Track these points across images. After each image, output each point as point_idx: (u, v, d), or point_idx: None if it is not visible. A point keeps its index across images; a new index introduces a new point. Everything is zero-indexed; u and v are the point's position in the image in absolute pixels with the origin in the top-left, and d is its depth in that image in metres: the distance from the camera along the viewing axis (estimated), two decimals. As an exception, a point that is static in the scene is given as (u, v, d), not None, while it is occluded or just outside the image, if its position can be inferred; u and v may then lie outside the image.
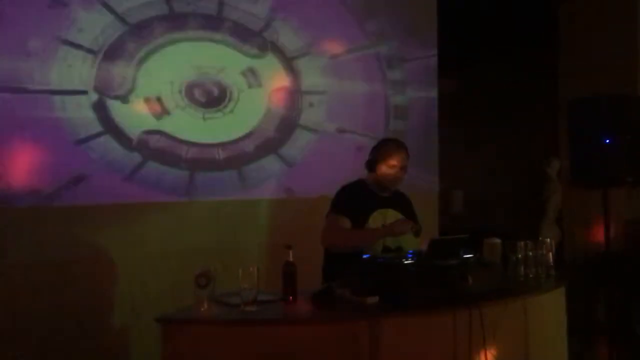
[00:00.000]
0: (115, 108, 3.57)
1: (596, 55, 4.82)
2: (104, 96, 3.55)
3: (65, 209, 3.35)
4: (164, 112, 3.70)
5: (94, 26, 3.53)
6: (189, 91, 3.77)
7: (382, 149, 2.92)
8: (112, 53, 3.57)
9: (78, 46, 3.49)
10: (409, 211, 3.03)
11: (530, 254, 2.71)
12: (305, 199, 3.83)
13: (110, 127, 3.56)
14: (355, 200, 2.87)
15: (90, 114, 3.50)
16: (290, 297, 2.34)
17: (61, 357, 3.25)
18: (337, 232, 2.78)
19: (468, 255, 2.45)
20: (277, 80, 4.04)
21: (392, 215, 2.90)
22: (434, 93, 4.58)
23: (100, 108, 3.53)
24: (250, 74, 3.96)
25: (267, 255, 3.64)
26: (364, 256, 2.47)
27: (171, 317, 2.21)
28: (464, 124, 6.52)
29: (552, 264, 2.75)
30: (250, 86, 3.95)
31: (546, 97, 5.59)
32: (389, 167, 2.86)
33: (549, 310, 2.67)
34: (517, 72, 6.25)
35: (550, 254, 2.76)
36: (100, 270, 3.40)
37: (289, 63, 4.08)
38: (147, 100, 3.66)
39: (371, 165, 2.91)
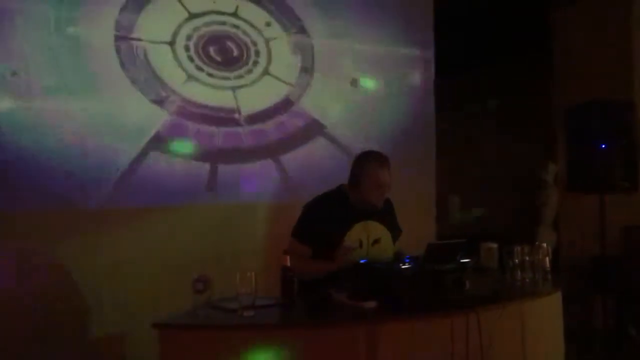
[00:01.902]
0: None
1: (591, 61, 4.84)
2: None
3: (61, 213, 3.35)
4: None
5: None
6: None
7: (365, 167, 2.79)
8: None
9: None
10: (390, 218, 2.94)
11: (527, 258, 2.71)
12: (303, 204, 3.83)
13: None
14: (328, 217, 2.74)
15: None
16: (288, 302, 2.34)
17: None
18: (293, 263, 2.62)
19: (465, 260, 2.45)
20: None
21: (373, 227, 2.81)
22: (430, 98, 4.59)
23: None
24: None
25: (264, 260, 3.64)
26: (361, 261, 2.47)
27: (168, 322, 2.21)
28: (461, 129, 6.55)
29: (548, 269, 2.76)
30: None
31: (542, 103, 5.61)
32: (373, 188, 2.76)
33: (546, 314, 2.68)
34: (513, 78, 6.28)
35: (547, 258, 2.76)
36: (97, 274, 3.39)
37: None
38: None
39: (353, 182, 2.81)
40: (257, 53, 3.97)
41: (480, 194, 6.65)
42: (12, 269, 3.19)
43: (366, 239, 2.78)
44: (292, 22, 4.12)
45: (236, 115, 3.86)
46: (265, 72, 3.98)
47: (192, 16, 3.80)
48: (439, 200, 4.72)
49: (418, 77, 4.54)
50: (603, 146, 3.72)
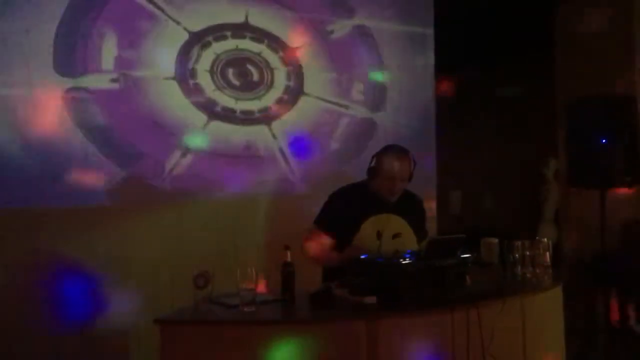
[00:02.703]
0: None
1: (593, 57, 4.83)
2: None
3: (63, 210, 3.35)
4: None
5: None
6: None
7: (383, 159, 2.76)
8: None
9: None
10: (417, 216, 2.91)
11: (528, 253, 2.72)
12: (304, 199, 3.84)
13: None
14: (347, 208, 2.77)
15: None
16: (289, 298, 2.34)
17: (60, 358, 3.24)
18: (313, 249, 2.75)
19: (466, 255, 2.45)
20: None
21: (393, 221, 2.78)
22: (432, 94, 4.59)
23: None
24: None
25: (265, 255, 3.65)
26: (362, 256, 2.48)
27: (170, 318, 2.22)
28: (462, 124, 6.54)
29: (549, 264, 2.76)
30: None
31: (544, 98, 5.60)
32: (386, 179, 2.74)
33: (547, 309, 2.68)
34: (515, 73, 6.27)
35: (548, 253, 2.76)
36: (99, 271, 3.40)
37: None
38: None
39: (371, 173, 2.80)
40: (288, 75, 3.87)
41: (481, 189, 6.64)
42: (14, 266, 3.20)
43: (385, 232, 2.74)
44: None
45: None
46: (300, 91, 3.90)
47: (197, 37, 3.63)
48: (440, 195, 4.72)
49: (418, 72, 4.54)
50: (604, 141, 3.71)
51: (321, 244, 2.76)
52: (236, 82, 3.74)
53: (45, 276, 3.26)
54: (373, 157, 2.83)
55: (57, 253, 3.30)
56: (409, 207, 2.88)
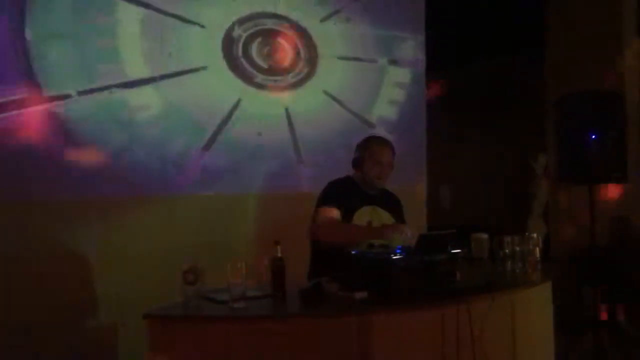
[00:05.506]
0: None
1: (582, 53, 4.86)
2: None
3: (51, 203, 3.32)
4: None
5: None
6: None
7: (368, 146, 2.92)
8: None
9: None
10: (397, 212, 3.00)
11: (517, 249, 2.73)
12: (295, 194, 3.84)
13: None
14: (344, 195, 2.85)
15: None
16: (279, 293, 2.33)
17: (48, 353, 3.22)
18: (332, 224, 2.73)
19: (456, 251, 2.46)
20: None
21: (380, 214, 2.89)
22: (422, 89, 4.58)
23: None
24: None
25: (255, 250, 3.64)
26: (353, 252, 2.47)
27: (158, 313, 2.20)
28: (452, 120, 6.56)
29: (538, 259, 2.78)
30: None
31: (533, 94, 5.62)
32: (374, 164, 2.86)
33: (536, 304, 2.69)
34: (504, 69, 6.29)
35: (537, 249, 2.78)
36: (88, 265, 3.38)
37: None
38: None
39: (357, 162, 2.92)
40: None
41: (471, 185, 6.67)
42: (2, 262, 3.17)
43: (374, 222, 2.84)
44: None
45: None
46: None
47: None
48: (430, 191, 4.73)
49: (409, 67, 4.53)
50: (593, 137, 3.73)
51: (336, 219, 2.75)
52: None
53: (33, 271, 3.24)
54: (357, 147, 2.95)
55: (46, 245, 3.28)
56: (391, 203, 3.00)
